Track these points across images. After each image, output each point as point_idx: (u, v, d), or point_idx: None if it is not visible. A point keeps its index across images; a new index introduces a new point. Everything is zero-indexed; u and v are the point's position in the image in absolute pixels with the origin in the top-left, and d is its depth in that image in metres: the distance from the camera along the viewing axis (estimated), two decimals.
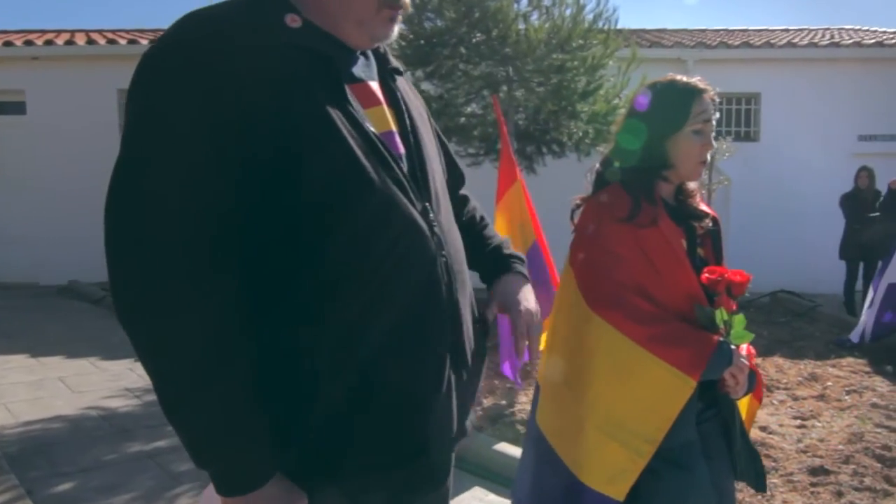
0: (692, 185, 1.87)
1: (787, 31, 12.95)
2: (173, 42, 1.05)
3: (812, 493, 3.27)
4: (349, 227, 1.07)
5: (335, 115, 1.09)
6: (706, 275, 1.70)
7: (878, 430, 4.07)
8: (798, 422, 4.27)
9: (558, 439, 1.75)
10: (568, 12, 6.89)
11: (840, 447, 3.75)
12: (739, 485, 1.99)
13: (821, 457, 3.64)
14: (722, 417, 1.79)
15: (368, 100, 1.20)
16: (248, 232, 1.04)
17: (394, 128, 1.22)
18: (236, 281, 1.04)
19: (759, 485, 1.85)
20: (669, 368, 1.59)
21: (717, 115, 1.86)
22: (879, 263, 7.14)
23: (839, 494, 3.23)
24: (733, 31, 13.16)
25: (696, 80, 1.80)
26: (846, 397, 4.75)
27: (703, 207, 1.86)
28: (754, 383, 1.77)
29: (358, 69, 1.21)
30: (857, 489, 3.28)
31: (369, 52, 1.26)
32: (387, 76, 1.28)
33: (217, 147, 1.01)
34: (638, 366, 1.62)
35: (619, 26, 7.52)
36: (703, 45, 10.74)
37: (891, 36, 11.13)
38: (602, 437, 1.66)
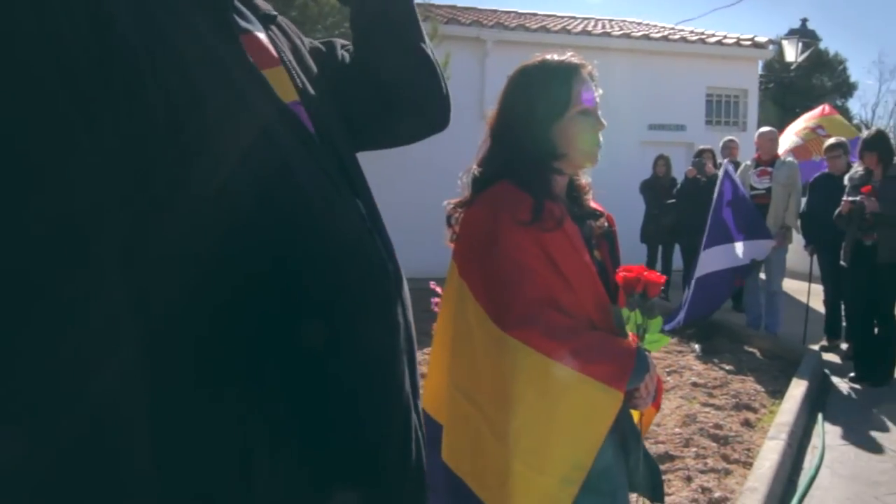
0: (585, 180, 1.83)
1: (574, 18, 13.88)
2: None
3: (664, 480, 3.38)
4: (273, 239, 0.81)
5: (230, 66, 0.83)
6: (623, 273, 1.66)
7: (706, 409, 4.41)
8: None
9: (479, 483, 1.62)
10: None
11: (678, 430, 3.99)
12: None
13: (663, 442, 3.84)
14: (620, 429, 1.73)
15: (262, 58, 0.93)
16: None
17: (297, 97, 0.96)
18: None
19: (657, 495, 1.82)
20: (595, 384, 1.54)
21: (601, 91, 1.79)
22: (678, 246, 7.84)
23: (688, 479, 3.42)
24: (523, 13, 13.81)
25: (569, 57, 1.75)
26: (668, 378, 5.11)
27: (596, 206, 1.82)
28: (656, 391, 1.75)
29: (237, 16, 0.94)
30: (702, 472, 3.50)
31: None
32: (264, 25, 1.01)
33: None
34: (562, 387, 1.55)
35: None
36: (501, 26, 11.14)
37: (672, 31, 12.41)
38: (529, 473, 1.57)
